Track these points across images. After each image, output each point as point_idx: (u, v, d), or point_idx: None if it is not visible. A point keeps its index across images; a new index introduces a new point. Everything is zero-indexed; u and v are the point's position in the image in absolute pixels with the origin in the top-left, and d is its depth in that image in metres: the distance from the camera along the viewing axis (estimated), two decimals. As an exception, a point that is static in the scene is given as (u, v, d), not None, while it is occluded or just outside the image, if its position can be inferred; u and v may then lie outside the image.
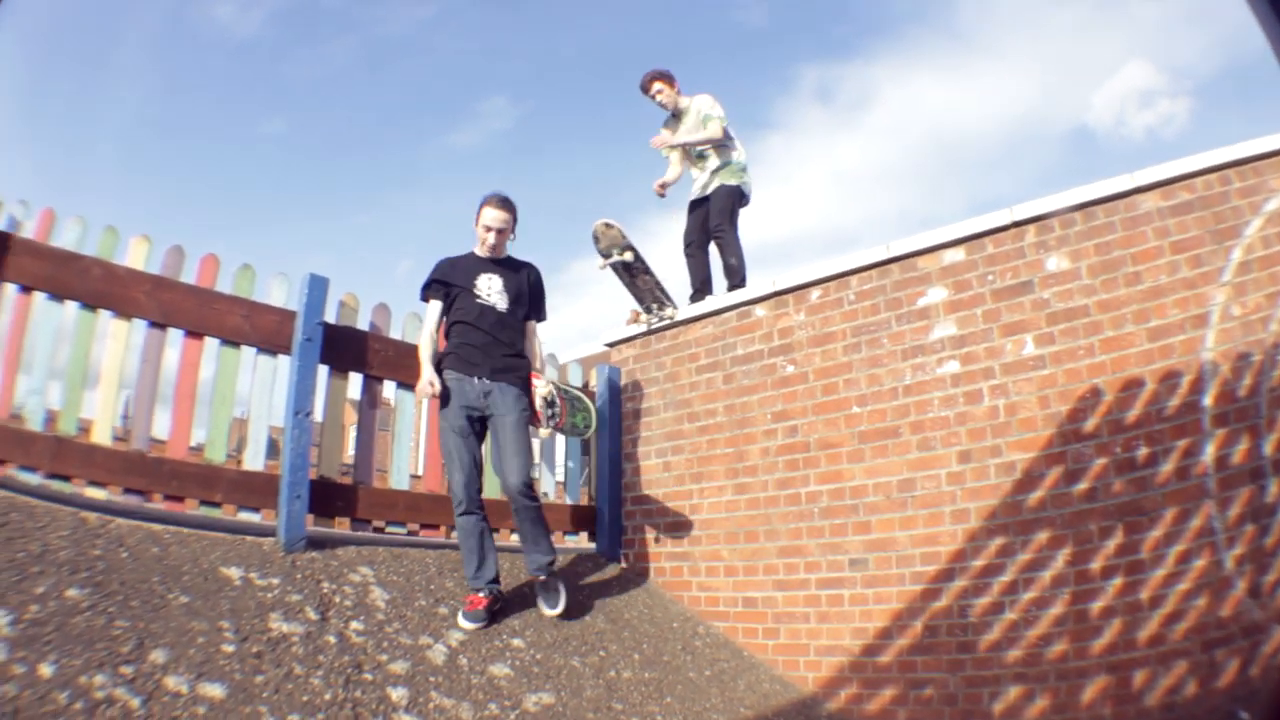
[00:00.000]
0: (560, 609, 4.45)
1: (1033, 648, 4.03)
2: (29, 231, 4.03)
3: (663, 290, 6.06)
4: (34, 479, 3.68)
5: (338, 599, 3.81)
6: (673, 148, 6.45)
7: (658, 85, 6.47)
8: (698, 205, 6.47)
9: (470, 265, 4.51)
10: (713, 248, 6.41)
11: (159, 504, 4.08)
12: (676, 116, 6.50)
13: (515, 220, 4.55)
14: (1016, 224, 4.47)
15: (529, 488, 4.26)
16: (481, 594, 4.21)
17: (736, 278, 6.10)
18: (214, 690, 2.88)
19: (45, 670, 2.62)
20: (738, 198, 6.33)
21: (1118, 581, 3.90)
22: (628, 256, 6.00)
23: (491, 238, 4.47)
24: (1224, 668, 3.63)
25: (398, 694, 3.33)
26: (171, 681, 2.82)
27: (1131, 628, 3.83)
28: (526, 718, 3.55)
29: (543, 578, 4.46)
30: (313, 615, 3.59)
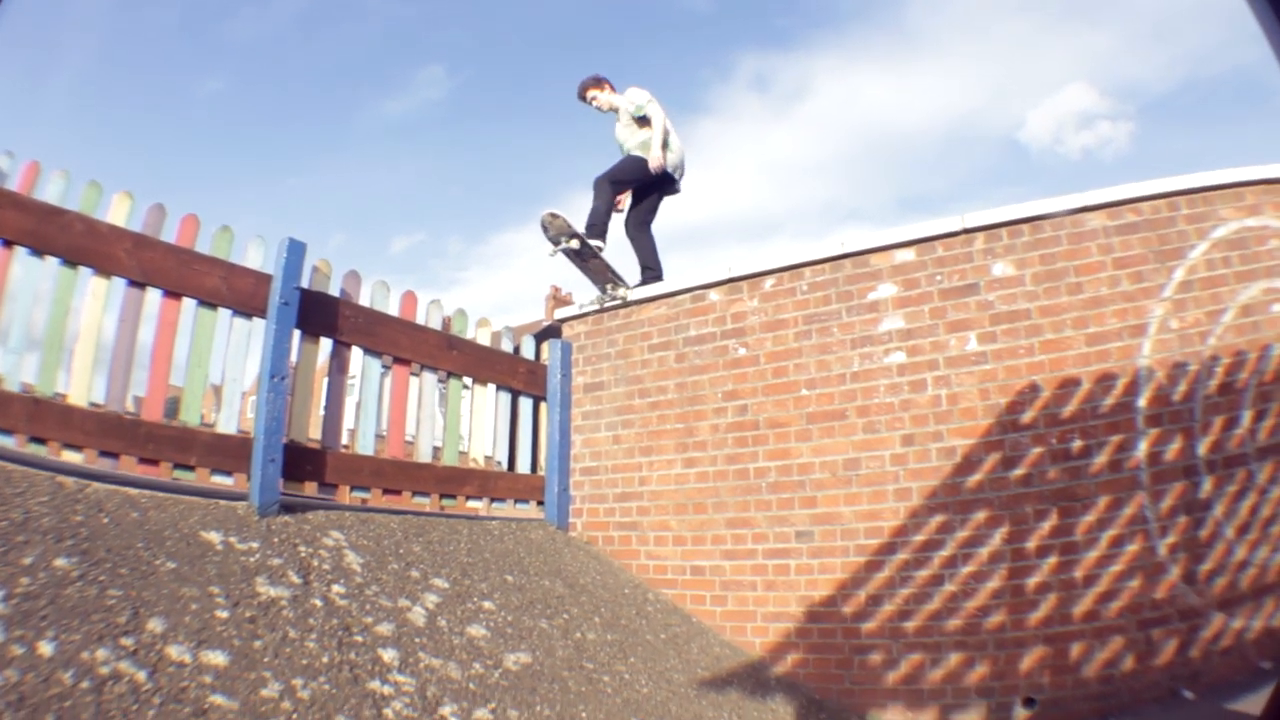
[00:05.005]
0: None
1: (971, 618, 4.14)
2: (13, 184, 3.70)
3: (614, 272, 5.90)
4: (9, 441, 3.39)
5: (316, 563, 3.60)
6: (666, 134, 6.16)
7: (593, 93, 6.44)
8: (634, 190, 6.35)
9: None
10: (655, 229, 6.32)
11: (134, 469, 3.78)
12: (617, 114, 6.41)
13: None
14: (967, 230, 4.54)
15: None
16: None
17: (588, 227, 5.99)
18: (216, 658, 2.71)
19: (45, 649, 2.39)
20: (636, 164, 6.14)
21: (1052, 560, 4.06)
22: (574, 244, 5.84)
23: None
24: (1161, 647, 3.85)
25: (389, 655, 3.20)
26: (174, 651, 2.62)
27: (1066, 603, 4.00)
28: (510, 675, 3.47)
29: None
30: (296, 579, 3.39)
